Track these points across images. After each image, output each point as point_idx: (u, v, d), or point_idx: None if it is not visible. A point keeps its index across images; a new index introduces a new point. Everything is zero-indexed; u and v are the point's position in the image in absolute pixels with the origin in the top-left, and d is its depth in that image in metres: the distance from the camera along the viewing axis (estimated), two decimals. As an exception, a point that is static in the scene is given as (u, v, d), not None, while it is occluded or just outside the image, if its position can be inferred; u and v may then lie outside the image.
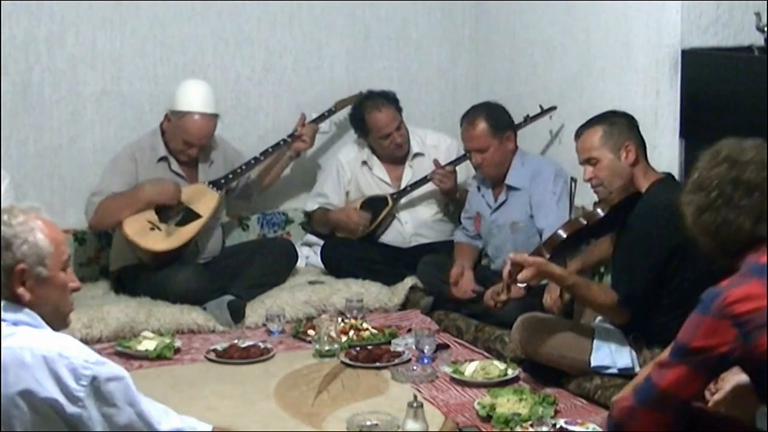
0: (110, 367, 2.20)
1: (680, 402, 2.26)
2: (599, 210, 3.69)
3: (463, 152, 4.96)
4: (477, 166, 4.62)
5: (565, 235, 3.73)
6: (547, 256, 3.68)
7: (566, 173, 4.61)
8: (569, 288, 3.73)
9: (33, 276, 2.22)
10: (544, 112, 4.90)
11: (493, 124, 4.56)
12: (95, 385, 2.15)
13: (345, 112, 5.30)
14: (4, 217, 2.20)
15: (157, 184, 4.72)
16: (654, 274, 3.56)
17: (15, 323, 2.18)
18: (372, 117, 5.07)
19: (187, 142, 4.75)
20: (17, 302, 2.21)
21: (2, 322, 2.16)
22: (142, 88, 4.99)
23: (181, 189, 4.73)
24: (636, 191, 3.65)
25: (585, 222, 3.72)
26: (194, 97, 4.74)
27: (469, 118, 4.60)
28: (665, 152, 4.17)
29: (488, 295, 4.29)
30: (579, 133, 3.76)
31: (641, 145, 3.69)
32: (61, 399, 2.12)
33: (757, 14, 3.96)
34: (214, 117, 4.79)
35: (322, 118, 5.21)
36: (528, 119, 4.94)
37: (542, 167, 4.58)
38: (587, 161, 3.71)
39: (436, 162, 4.97)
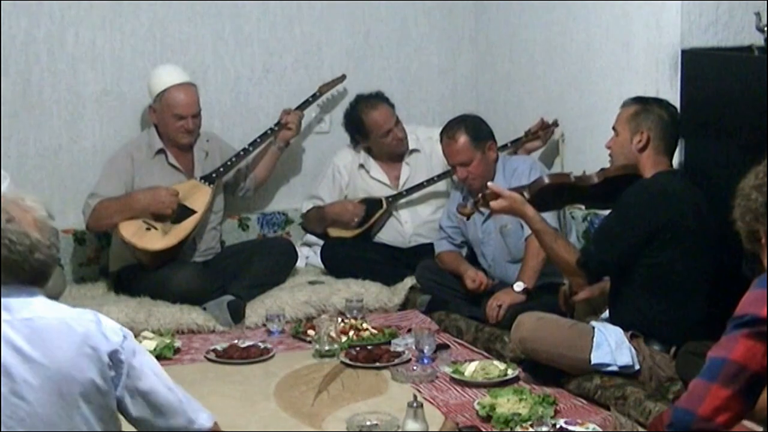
0: (134, 342, 2.33)
1: (750, 375, 2.17)
2: (594, 176, 3.83)
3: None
4: (462, 180, 4.58)
5: (547, 181, 3.87)
6: (527, 196, 3.80)
7: (542, 166, 4.67)
8: (536, 232, 3.85)
9: None
10: (546, 126, 4.88)
11: (473, 136, 4.54)
12: (127, 352, 2.28)
13: (339, 111, 5.30)
14: (44, 207, 2.29)
15: (149, 192, 4.72)
16: (623, 249, 3.65)
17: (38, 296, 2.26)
18: (370, 117, 5.08)
19: (178, 116, 4.78)
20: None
21: (30, 297, 2.24)
22: (142, 88, 4.98)
23: (178, 193, 4.74)
24: (638, 175, 3.74)
25: (573, 180, 3.85)
26: (165, 76, 4.84)
27: (448, 132, 4.58)
28: (665, 152, 4.17)
29: (490, 304, 4.31)
30: (624, 104, 3.87)
31: (662, 139, 3.74)
32: (112, 364, 2.24)
33: (757, 14, 3.96)
34: (192, 85, 4.86)
35: (306, 104, 5.21)
36: (529, 135, 4.93)
37: (517, 165, 4.60)
38: (613, 129, 3.83)
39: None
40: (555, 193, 3.90)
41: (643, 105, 3.80)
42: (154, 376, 2.32)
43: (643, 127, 3.73)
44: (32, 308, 2.22)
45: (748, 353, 2.16)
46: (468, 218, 4.17)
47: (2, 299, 2.20)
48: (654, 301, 3.65)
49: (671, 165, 3.81)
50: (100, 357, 2.21)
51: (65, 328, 2.21)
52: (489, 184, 3.95)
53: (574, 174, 3.93)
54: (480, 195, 3.92)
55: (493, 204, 3.82)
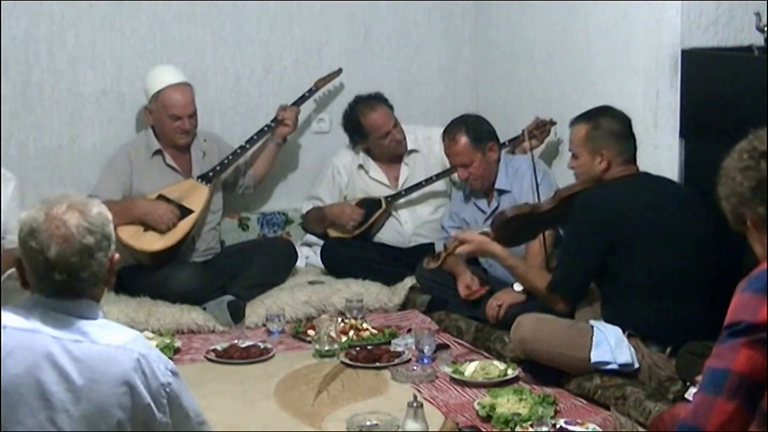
0: (181, 380, 2.22)
1: (753, 386, 2.12)
2: (549, 200, 3.91)
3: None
4: (464, 180, 4.62)
5: (508, 215, 3.94)
6: (492, 235, 3.89)
7: (545, 166, 4.69)
8: (508, 269, 3.99)
9: None
10: (542, 125, 4.88)
11: (474, 137, 4.55)
12: (172, 395, 2.17)
13: (339, 111, 5.29)
14: (88, 219, 2.16)
15: (151, 203, 4.73)
16: (587, 266, 3.71)
17: (92, 318, 2.17)
18: (368, 118, 5.08)
19: (174, 116, 4.79)
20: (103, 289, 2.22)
21: (83, 321, 2.15)
22: (142, 88, 4.98)
23: (177, 213, 4.74)
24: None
25: (529, 210, 3.93)
26: (160, 77, 4.85)
27: (449, 134, 4.60)
28: (665, 152, 4.17)
29: (490, 304, 4.30)
30: (572, 123, 3.92)
31: (621, 151, 3.78)
32: (150, 402, 2.13)
33: (757, 14, 3.96)
34: (188, 85, 4.86)
35: (303, 99, 5.21)
36: (526, 134, 4.92)
37: (520, 164, 4.62)
38: (571, 151, 3.88)
39: None
40: (520, 226, 3.97)
41: (592, 123, 3.81)
42: (194, 417, 2.24)
43: (601, 148, 3.76)
44: (86, 330, 2.12)
45: (748, 363, 2.11)
46: (439, 267, 4.18)
47: (60, 315, 2.13)
48: (642, 304, 3.66)
49: (635, 168, 3.83)
50: (139, 394, 2.11)
51: (111, 359, 2.10)
52: (452, 233, 4.03)
53: (531, 202, 4.03)
54: (444, 245, 3.98)
55: (460, 249, 3.90)
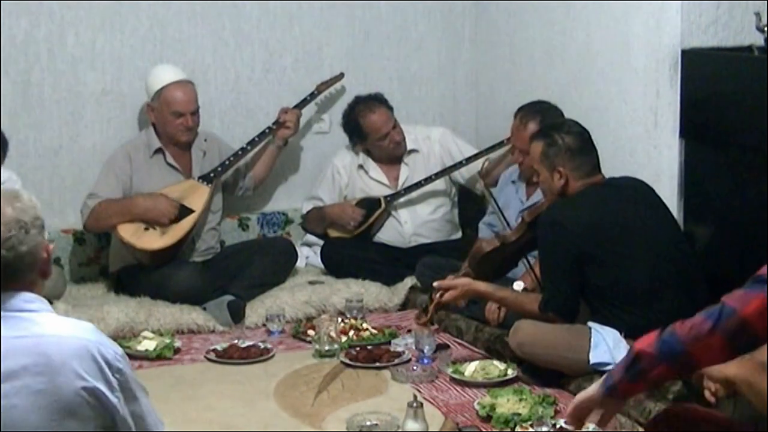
0: (128, 362, 2.22)
1: (750, 336, 2.14)
2: (514, 231, 3.96)
3: (460, 153, 5.02)
4: (518, 162, 4.48)
5: (483, 252, 3.97)
6: (473, 275, 3.94)
7: None
8: (498, 302, 4.02)
9: None
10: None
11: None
12: (123, 379, 2.16)
13: (339, 111, 5.29)
14: (18, 204, 2.12)
15: (150, 198, 4.73)
16: (570, 280, 3.71)
17: (38, 311, 2.14)
18: (367, 120, 5.08)
19: (176, 113, 4.79)
20: (42, 279, 2.18)
21: (27, 313, 2.12)
22: (142, 88, 4.98)
23: (177, 206, 4.74)
24: None
25: (500, 242, 3.96)
26: (163, 74, 4.86)
27: (526, 118, 4.40)
28: (665, 152, 4.17)
29: (489, 307, 4.29)
30: (531, 137, 3.95)
31: (578, 166, 3.77)
32: (104, 388, 2.11)
33: (757, 14, 3.96)
34: (190, 83, 4.87)
35: (304, 102, 5.22)
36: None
37: None
38: (533, 167, 3.89)
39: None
40: (497, 259, 3.99)
41: (547, 140, 3.80)
42: (139, 392, 2.22)
43: (557, 164, 3.77)
44: (29, 323, 2.09)
45: (756, 312, 2.12)
46: (426, 324, 4.15)
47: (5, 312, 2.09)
48: (629, 311, 3.68)
49: (600, 177, 3.83)
50: (96, 385, 2.09)
51: (64, 348, 2.07)
52: (435, 283, 4.04)
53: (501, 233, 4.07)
54: (429, 301, 4.02)
55: (446, 297, 3.93)
